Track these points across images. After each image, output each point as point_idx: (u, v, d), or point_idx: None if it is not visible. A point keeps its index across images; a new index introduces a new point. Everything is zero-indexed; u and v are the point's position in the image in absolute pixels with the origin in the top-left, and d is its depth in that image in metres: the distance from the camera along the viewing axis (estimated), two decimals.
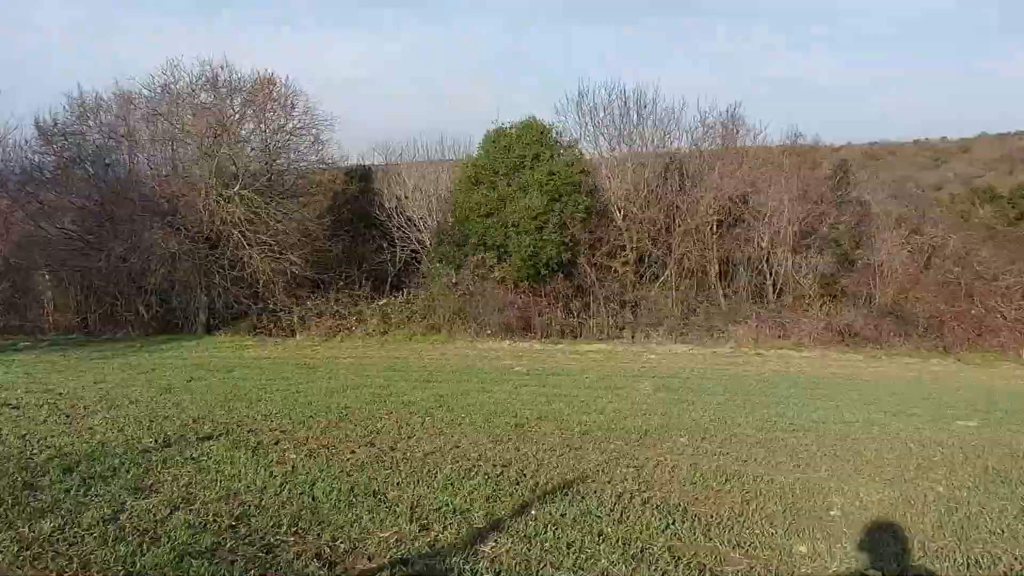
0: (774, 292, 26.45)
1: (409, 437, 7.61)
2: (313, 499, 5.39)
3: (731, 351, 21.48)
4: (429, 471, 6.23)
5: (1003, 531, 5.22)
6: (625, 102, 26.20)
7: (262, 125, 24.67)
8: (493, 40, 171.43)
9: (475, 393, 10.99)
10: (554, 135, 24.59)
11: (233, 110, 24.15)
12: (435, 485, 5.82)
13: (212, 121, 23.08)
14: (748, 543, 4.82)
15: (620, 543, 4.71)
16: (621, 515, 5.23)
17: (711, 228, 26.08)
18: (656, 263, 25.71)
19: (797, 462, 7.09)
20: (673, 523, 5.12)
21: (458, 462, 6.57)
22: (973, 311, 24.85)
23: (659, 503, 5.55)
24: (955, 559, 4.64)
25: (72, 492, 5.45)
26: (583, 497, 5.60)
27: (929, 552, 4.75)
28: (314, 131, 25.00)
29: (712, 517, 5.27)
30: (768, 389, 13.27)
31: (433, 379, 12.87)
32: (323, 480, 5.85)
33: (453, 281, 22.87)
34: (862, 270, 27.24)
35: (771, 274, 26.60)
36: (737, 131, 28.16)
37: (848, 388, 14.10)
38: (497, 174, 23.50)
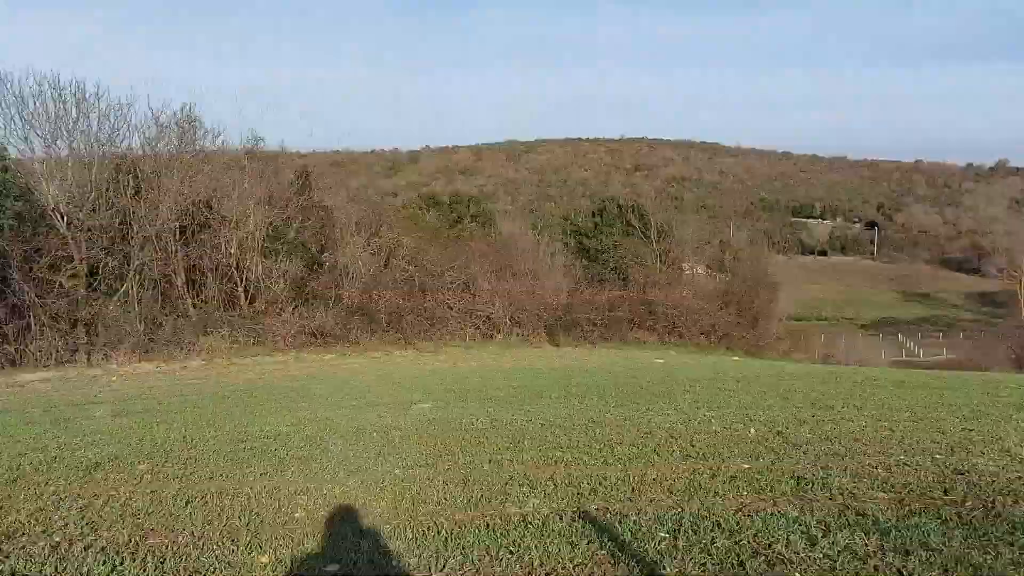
0: (247, 299, 26.87)
1: None
2: None
3: (203, 363, 20.94)
4: None
5: (445, 500, 5.75)
6: (60, 94, 22.97)
7: None
8: None
9: None
10: None
11: None
12: None
13: None
14: (208, 566, 4.50)
15: None
16: (56, 568, 4.54)
17: (174, 235, 25.24)
18: (112, 275, 23.65)
19: (265, 470, 6.91)
20: (121, 564, 4.57)
21: None
22: (426, 304, 28.70)
23: (105, 545, 4.89)
24: (406, 535, 4.94)
25: None
26: (7, 556, 4.76)
27: (385, 533, 5.00)
28: None
29: (169, 547, 4.81)
30: (242, 399, 12.96)
31: None
32: None
33: None
34: (329, 272, 29.16)
35: (243, 280, 26.90)
36: (195, 132, 27.33)
37: (321, 387, 14.62)
38: None
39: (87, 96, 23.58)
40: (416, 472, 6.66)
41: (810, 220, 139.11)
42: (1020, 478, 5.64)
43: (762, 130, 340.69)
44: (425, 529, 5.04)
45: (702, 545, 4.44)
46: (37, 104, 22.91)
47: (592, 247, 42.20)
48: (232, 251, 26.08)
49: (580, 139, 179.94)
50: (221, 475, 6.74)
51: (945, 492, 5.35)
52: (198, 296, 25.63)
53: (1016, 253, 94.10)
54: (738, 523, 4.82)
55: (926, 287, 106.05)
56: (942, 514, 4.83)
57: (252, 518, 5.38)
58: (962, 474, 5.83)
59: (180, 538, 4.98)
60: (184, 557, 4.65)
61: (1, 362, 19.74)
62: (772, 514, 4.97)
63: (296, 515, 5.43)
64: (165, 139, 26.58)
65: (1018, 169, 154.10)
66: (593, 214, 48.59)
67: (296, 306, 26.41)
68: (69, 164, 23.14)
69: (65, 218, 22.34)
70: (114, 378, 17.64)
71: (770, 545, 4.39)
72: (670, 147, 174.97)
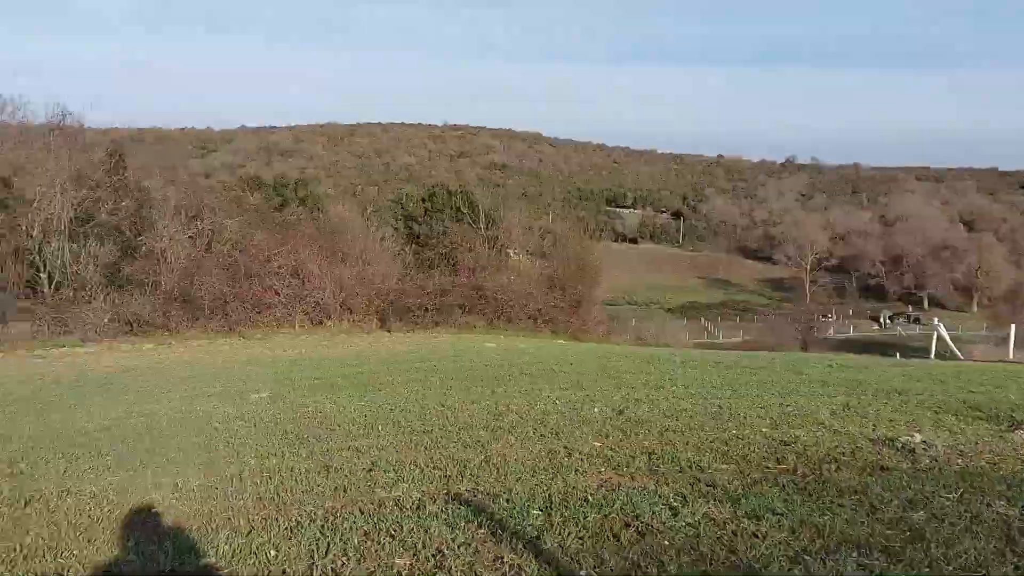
0: (51, 285, 24.13)
1: None
2: None
3: (2, 355, 19.22)
4: None
5: (310, 488, 5.56)
6: None
7: None
8: None
9: None
10: None
11: None
12: None
13: None
14: (66, 567, 4.30)
15: None
16: None
17: None
18: None
19: (105, 465, 6.65)
20: None
21: None
22: (253, 291, 25.88)
23: None
24: (278, 524, 4.73)
25: None
26: None
27: (256, 525, 4.74)
28: None
29: (16, 551, 4.54)
30: (58, 392, 12.56)
31: None
32: None
33: None
34: (146, 257, 26.24)
35: (46, 266, 24.27)
36: None
37: (143, 379, 13.83)
38: None
39: None
40: (271, 462, 6.44)
41: (622, 209, 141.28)
42: (837, 447, 6.15)
43: (579, 122, 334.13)
44: (297, 518, 4.85)
45: (576, 520, 4.55)
46: None
47: (422, 232, 41.20)
48: (34, 234, 23.66)
49: (402, 123, 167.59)
50: (55, 473, 6.51)
51: (778, 462, 5.77)
52: None
53: (803, 242, 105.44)
54: (604, 498, 4.96)
55: (725, 274, 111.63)
56: (779, 482, 5.19)
57: (105, 517, 5.15)
58: (788, 445, 6.29)
59: (25, 540, 4.72)
60: (32, 560, 4.42)
61: None
62: (633, 488, 5.16)
63: (154, 509, 5.26)
64: None
65: (803, 166, 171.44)
66: (423, 199, 46.38)
67: (108, 293, 24.04)
68: None
69: None
70: None
71: (637, 517, 4.58)
72: (490, 135, 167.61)
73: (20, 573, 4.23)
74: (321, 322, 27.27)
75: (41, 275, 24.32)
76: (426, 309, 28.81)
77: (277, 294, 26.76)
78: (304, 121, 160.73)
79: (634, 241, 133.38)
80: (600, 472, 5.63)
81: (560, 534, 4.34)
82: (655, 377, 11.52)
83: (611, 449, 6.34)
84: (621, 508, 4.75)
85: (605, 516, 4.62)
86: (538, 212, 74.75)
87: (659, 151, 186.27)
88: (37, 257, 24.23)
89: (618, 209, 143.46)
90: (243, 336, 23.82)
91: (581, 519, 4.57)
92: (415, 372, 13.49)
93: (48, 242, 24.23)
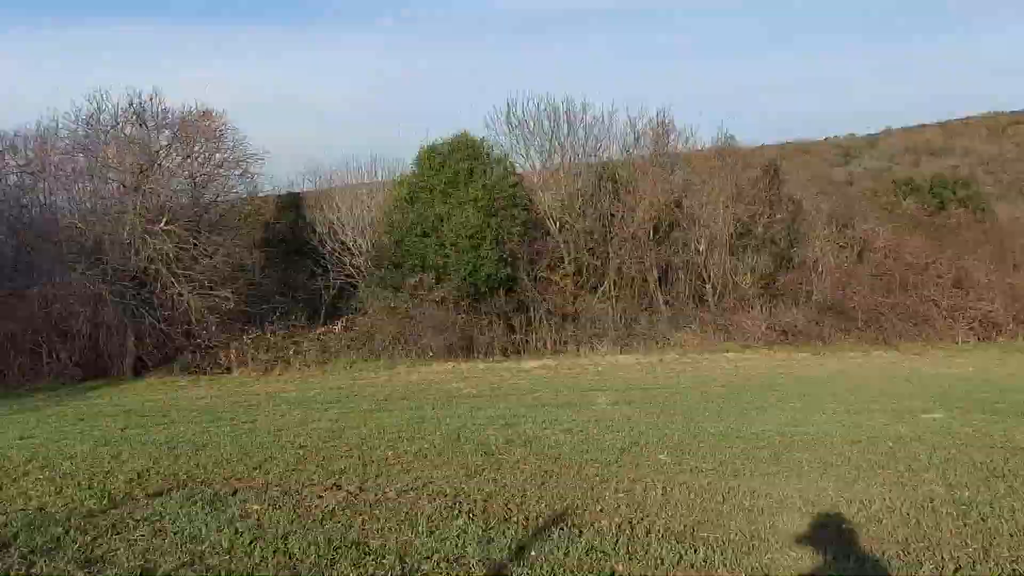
0: (714, 295, 25.89)
1: (377, 475, 6.80)
2: (289, 557, 4.70)
3: (677, 357, 20.79)
4: (408, 513, 5.56)
5: (1020, 531, 4.94)
6: (554, 113, 25.57)
7: (188, 159, 23.56)
8: (422, 54, 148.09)
9: (431, 421, 10.16)
10: (486, 149, 23.87)
11: (160, 143, 22.89)
12: (419, 529, 5.18)
13: (138, 154, 22.03)
14: (774, 566, 4.39)
15: None
16: (628, 549, 4.74)
17: (647, 235, 25.44)
18: (595, 273, 25.30)
19: (786, 471, 6.70)
20: (686, 553, 4.64)
21: (436, 500, 5.92)
22: (908, 302, 24.99)
23: (662, 531, 5.06)
24: (987, 567, 4.30)
25: (13, 571, 4.61)
26: (580, 530, 5.09)
27: (959, 560, 4.40)
28: (243, 164, 23.96)
29: (723, 542, 4.82)
30: (727, 395, 12.87)
31: (384, 408, 11.88)
32: (296, 533, 5.12)
33: (392, 305, 21.69)
34: (799, 267, 26.90)
35: (710, 277, 25.96)
36: (668, 136, 27.83)
37: (802, 388, 13.76)
38: (433, 192, 22.76)
39: (575, 112, 25.12)
40: (965, 494, 5.85)
41: None
42: None
43: None
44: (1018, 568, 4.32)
45: None
46: (535, 124, 25.84)
47: None
48: (701, 249, 25.59)
49: None
50: (744, 473, 6.61)
51: None
52: (668, 293, 25.90)
53: None
54: None
55: None
56: None
57: (798, 523, 5.09)
58: None
59: (730, 534, 4.92)
60: (744, 555, 4.55)
61: (508, 350, 21.87)
62: None
63: (844, 526, 5.06)
64: (641, 146, 27.41)
65: None
66: None
67: (764, 302, 25.15)
68: (561, 175, 26.07)
69: (557, 224, 25.11)
70: (599, 368, 18.58)
71: None
72: None
73: (728, 559, 4.46)
74: (990, 337, 25.00)
75: (706, 286, 26.43)
76: None
77: (936, 305, 25.24)
78: (957, 115, 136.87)
79: None
80: None
81: None
82: None
83: None
84: None
85: None
86: None
87: None
88: (703, 270, 26.54)
89: None
90: (899, 349, 22.83)
91: None
92: None
93: (712, 256, 26.46)
